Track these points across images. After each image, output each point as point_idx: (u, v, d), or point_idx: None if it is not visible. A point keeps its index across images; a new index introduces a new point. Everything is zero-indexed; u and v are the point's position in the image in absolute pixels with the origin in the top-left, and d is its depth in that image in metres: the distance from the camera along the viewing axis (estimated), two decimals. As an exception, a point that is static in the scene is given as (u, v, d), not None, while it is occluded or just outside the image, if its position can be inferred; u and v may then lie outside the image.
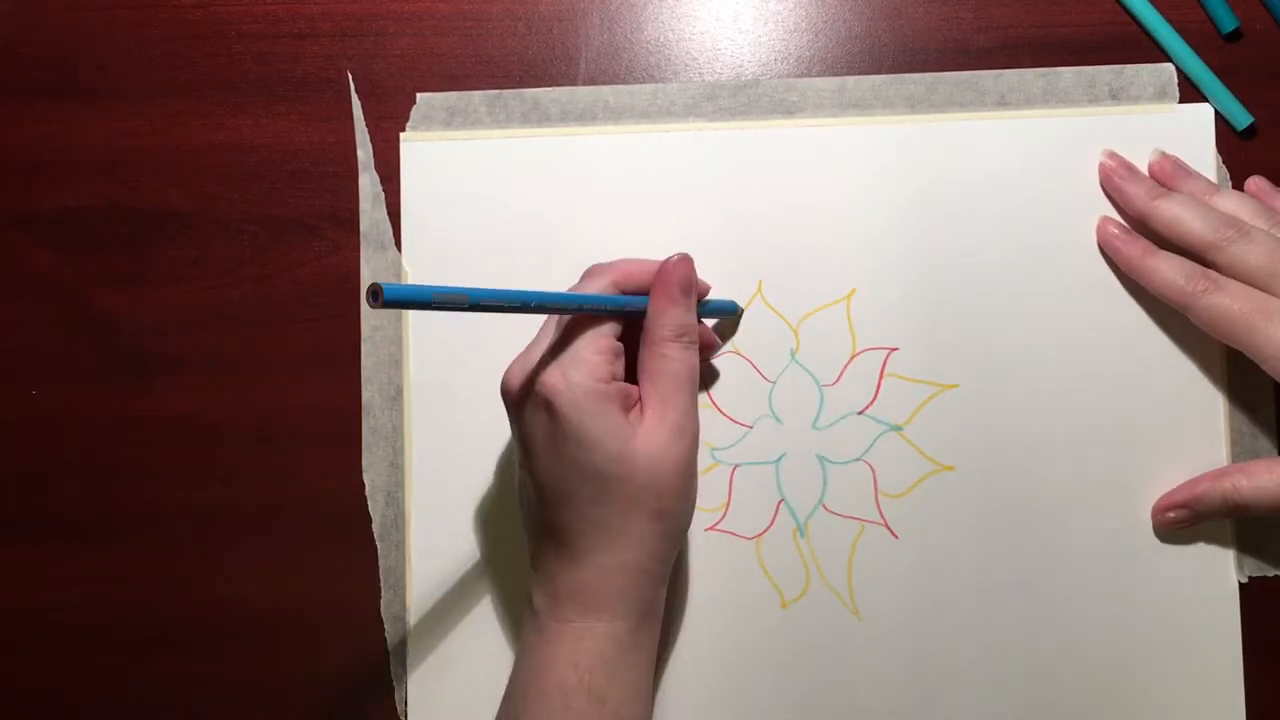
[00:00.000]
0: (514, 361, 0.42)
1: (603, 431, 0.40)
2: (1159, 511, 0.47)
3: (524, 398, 0.42)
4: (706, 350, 0.47)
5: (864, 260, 0.48)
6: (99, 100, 0.51)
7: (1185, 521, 0.46)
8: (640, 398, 0.42)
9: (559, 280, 0.48)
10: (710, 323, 0.48)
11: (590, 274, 0.44)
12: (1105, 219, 0.48)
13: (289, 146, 0.50)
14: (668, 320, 0.43)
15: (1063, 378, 0.48)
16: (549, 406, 0.40)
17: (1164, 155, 0.48)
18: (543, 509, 0.42)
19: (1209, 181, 0.47)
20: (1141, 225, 0.47)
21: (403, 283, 0.49)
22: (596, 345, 0.41)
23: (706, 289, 0.47)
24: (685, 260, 0.44)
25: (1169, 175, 0.47)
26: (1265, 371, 0.44)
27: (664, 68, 0.50)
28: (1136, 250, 0.46)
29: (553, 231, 0.49)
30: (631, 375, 0.43)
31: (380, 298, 0.33)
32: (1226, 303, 0.44)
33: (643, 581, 0.41)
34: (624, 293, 0.43)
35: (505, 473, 0.48)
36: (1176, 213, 0.45)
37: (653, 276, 0.43)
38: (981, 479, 0.48)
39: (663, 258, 0.44)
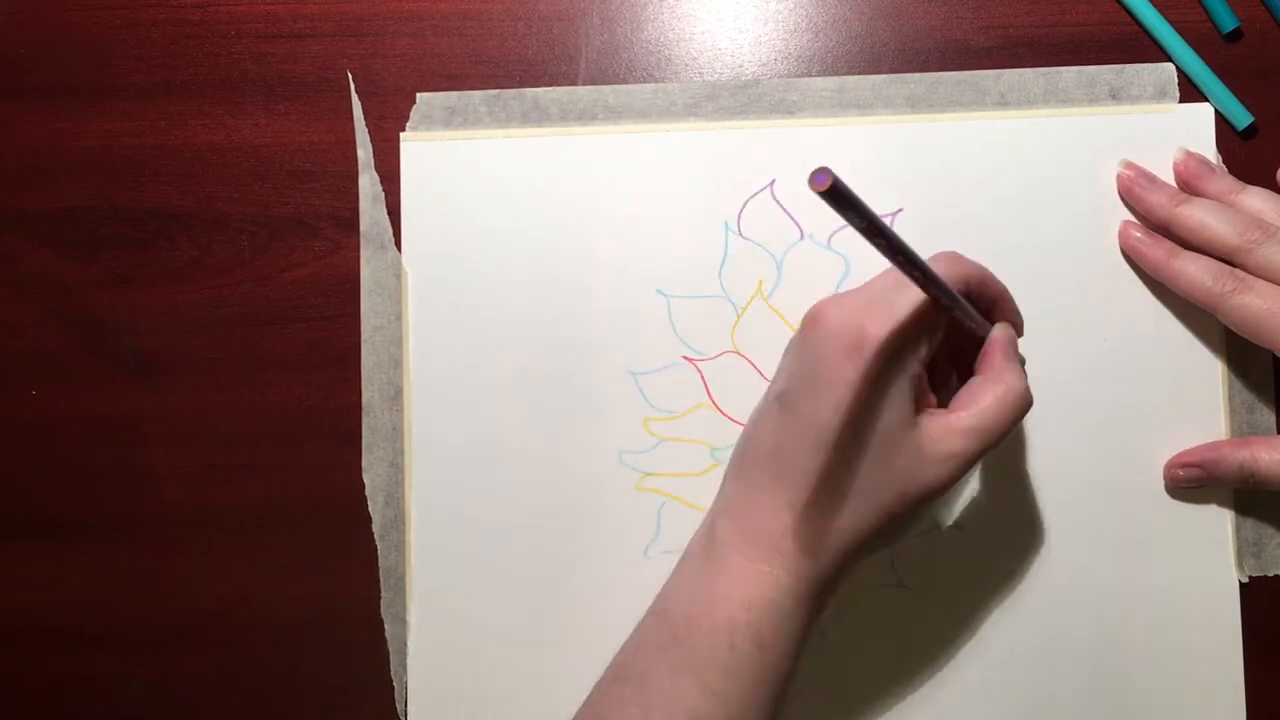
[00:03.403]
0: (833, 298, 0.40)
1: (897, 408, 0.38)
2: (1171, 467, 0.47)
3: (829, 334, 0.39)
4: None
5: (864, 260, 0.48)
6: (99, 100, 0.51)
7: (1195, 481, 0.46)
8: (935, 401, 0.41)
9: (559, 280, 0.48)
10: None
11: (950, 259, 0.41)
12: (1127, 223, 0.48)
13: (289, 146, 0.50)
14: (1009, 350, 0.41)
15: (1062, 376, 0.48)
16: (856, 352, 0.38)
17: (1188, 154, 0.47)
18: (783, 441, 0.39)
19: (1234, 180, 0.47)
20: (1165, 232, 0.47)
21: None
22: (933, 336, 0.40)
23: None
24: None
25: (1194, 174, 0.47)
26: None
27: (664, 68, 0.50)
28: (1162, 253, 0.46)
29: (553, 231, 0.49)
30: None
31: (827, 185, 0.30)
32: (1257, 302, 0.43)
33: (848, 553, 0.39)
34: (965, 294, 0.41)
35: (505, 472, 0.48)
36: (1201, 218, 0.45)
37: (989, 288, 0.42)
38: (980, 478, 0.48)
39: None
